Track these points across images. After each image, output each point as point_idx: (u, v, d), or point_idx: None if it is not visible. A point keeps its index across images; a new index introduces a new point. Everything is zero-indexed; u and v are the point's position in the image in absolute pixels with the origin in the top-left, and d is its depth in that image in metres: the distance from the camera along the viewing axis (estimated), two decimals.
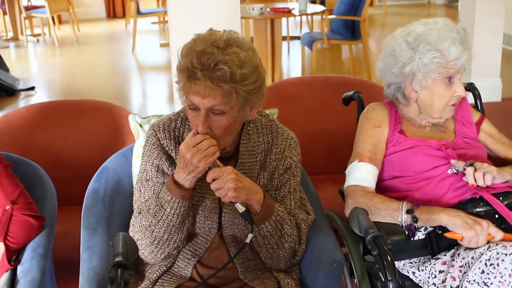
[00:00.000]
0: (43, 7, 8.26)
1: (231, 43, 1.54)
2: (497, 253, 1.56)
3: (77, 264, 1.74)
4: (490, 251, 1.58)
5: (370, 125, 1.98)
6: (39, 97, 5.89)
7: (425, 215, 1.74)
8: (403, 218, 1.76)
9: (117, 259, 1.33)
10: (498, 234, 1.68)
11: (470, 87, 2.19)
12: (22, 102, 5.78)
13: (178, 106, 1.91)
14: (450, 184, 1.84)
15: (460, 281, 1.61)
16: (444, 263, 1.69)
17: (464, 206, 1.78)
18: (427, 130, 1.98)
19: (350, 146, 2.03)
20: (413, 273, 1.74)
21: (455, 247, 1.72)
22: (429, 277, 1.70)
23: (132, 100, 5.99)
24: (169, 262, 1.71)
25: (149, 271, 1.72)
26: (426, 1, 11.57)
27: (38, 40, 8.82)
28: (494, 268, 1.54)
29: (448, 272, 1.65)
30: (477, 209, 1.76)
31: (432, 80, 1.88)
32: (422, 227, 1.78)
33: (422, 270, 1.72)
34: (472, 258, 1.61)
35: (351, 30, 5.91)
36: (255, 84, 1.56)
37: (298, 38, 7.73)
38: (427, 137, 1.94)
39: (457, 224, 1.68)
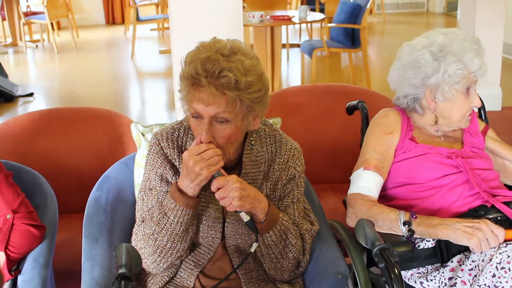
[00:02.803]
0: (42, 13, 8.25)
1: (236, 51, 1.53)
2: (508, 257, 1.54)
3: (78, 274, 1.72)
4: (500, 253, 1.56)
5: (381, 131, 1.95)
6: (38, 103, 5.88)
7: (422, 228, 1.71)
8: (403, 229, 1.74)
9: (120, 270, 1.31)
10: (500, 232, 1.62)
11: None
12: (21, 109, 5.77)
13: (178, 114, 1.89)
14: (460, 193, 1.82)
15: (471, 285, 1.59)
16: (453, 269, 1.67)
17: (475, 213, 1.76)
18: (437, 139, 1.96)
19: (351, 154, 2.02)
20: (421, 283, 1.72)
21: (462, 253, 1.70)
22: (439, 286, 1.68)
23: (131, 106, 5.98)
24: (171, 272, 1.69)
25: (152, 281, 1.70)
26: (424, 10, 11.61)
27: (37, 46, 8.81)
28: (506, 272, 1.52)
29: (458, 277, 1.62)
30: (488, 216, 1.74)
31: (457, 92, 1.87)
32: None
33: (431, 280, 1.70)
34: (483, 261, 1.59)
35: (350, 38, 5.92)
36: (259, 93, 1.55)
37: (297, 45, 7.74)
38: (437, 145, 1.93)
39: (457, 238, 1.65)
